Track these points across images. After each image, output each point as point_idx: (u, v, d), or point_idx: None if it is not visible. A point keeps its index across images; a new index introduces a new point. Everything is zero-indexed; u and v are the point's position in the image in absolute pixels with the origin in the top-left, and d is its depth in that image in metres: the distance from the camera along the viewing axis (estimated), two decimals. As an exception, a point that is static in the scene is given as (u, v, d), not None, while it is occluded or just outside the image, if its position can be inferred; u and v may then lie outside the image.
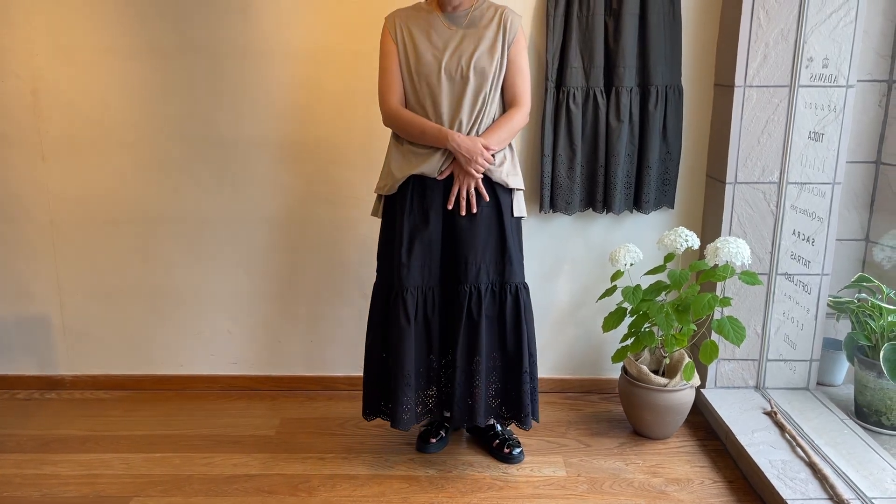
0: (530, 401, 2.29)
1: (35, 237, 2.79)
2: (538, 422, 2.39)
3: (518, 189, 2.27)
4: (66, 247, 2.81)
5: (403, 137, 2.24)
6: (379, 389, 2.36)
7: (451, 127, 2.16)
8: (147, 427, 2.64)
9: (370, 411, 2.39)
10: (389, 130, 2.31)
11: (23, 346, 2.90)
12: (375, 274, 2.37)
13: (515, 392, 2.29)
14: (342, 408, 2.78)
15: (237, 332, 2.90)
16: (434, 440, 2.46)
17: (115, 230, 2.79)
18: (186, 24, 2.61)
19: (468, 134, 2.17)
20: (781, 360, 2.67)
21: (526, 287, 2.30)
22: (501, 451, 2.41)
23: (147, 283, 2.84)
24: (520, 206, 2.28)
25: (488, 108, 2.19)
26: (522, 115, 2.25)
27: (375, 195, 2.35)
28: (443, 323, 2.30)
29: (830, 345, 2.79)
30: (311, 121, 2.69)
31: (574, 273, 2.82)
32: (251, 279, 2.84)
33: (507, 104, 2.26)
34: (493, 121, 2.21)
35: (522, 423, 2.30)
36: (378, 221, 2.36)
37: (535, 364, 2.32)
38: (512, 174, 2.25)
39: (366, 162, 2.69)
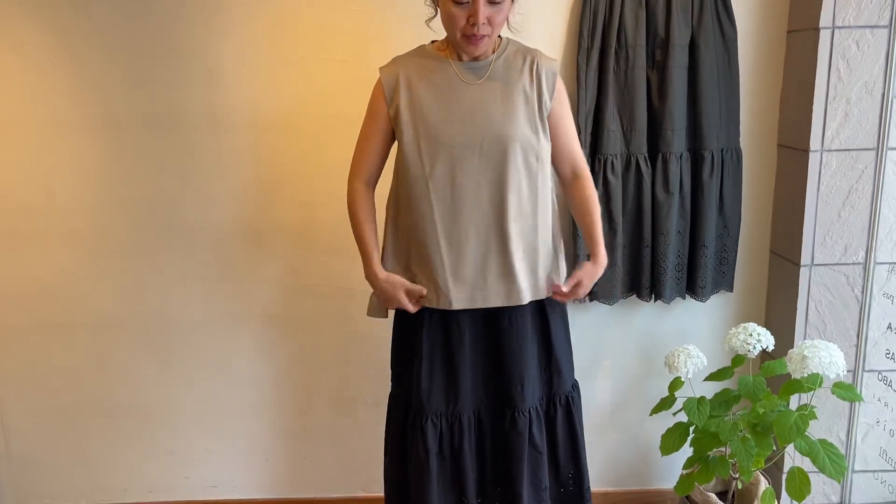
0: None
1: (-32, 349, 2.33)
2: None
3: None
4: (6, 359, 2.35)
5: None
6: None
7: (497, 216, 1.72)
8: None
9: None
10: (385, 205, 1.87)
11: (-41, 478, 2.43)
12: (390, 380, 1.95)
13: None
14: (344, 542, 2.32)
15: (216, 450, 2.44)
16: None
17: (65, 336, 2.34)
18: (144, 94, 2.17)
19: (525, 222, 1.74)
20: (870, 472, 2.22)
21: (576, 386, 1.95)
22: None
23: (106, 398, 2.39)
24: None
25: (541, 185, 1.74)
26: (593, 185, 1.86)
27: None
28: (480, 455, 1.88)
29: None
30: (294, 201, 2.25)
31: (615, 370, 2.38)
32: (230, 389, 2.39)
33: (563, 176, 1.85)
34: (550, 200, 1.78)
35: None
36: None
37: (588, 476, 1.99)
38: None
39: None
